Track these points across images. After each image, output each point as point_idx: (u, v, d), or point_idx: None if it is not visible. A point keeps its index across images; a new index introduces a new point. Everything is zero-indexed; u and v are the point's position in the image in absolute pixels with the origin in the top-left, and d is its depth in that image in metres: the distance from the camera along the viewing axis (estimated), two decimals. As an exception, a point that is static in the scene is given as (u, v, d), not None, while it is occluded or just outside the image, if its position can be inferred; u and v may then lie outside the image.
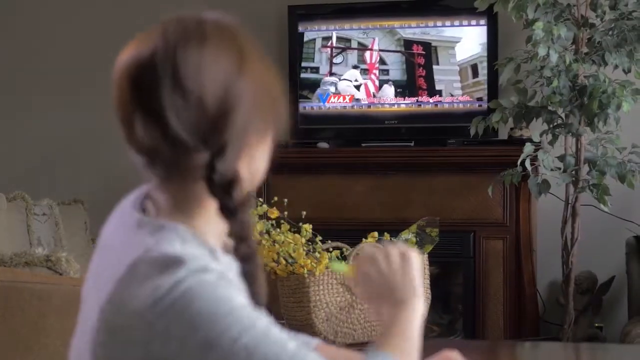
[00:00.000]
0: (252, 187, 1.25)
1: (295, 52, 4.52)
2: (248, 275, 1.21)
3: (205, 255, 1.16)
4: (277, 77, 1.25)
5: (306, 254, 3.09)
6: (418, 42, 4.42)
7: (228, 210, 1.18)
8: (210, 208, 1.20)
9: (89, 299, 1.23)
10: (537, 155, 3.72)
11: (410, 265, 1.33)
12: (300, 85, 4.51)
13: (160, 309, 1.11)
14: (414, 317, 1.30)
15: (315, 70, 4.53)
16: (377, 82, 4.47)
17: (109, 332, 1.15)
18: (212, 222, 1.21)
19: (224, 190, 1.17)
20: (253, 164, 1.22)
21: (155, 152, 1.17)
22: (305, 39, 4.51)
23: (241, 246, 1.20)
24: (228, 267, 1.20)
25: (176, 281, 1.11)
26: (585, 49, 3.75)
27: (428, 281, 3.25)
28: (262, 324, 1.12)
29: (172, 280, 1.12)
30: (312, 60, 4.53)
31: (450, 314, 4.44)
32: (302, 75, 4.52)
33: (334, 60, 4.51)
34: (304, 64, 4.52)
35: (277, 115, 1.24)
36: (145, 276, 1.13)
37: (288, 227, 3.10)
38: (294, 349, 1.12)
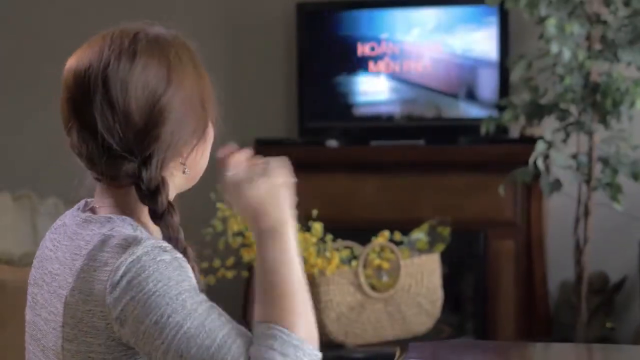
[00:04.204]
0: (192, 183, 1.38)
1: (303, 50, 4.48)
2: None
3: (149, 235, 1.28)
4: (209, 83, 1.36)
5: (317, 254, 3.06)
6: (430, 35, 4.38)
7: (155, 215, 1.30)
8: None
9: (46, 305, 1.32)
10: (549, 154, 3.68)
11: (277, 189, 1.28)
12: (308, 84, 4.48)
13: (119, 289, 1.20)
14: (288, 244, 1.26)
15: (324, 68, 4.49)
16: (387, 79, 4.44)
17: (75, 324, 1.24)
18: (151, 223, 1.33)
19: (150, 197, 1.29)
20: (191, 167, 1.34)
21: (91, 159, 1.30)
22: (314, 37, 4.48)
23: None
24: None
25: (134, 259, 1.21)
26: (598, 46, 3.71)
27: (440, 281, 3.22)
28: (202, 309, 1.21)
29: (130, 258, 1.21)
30: (321, 57, 4.49)
31: (461, 314, 4.40)
32: (310, 73, 4.48)
33: (344, 58, 4.47)
34: (312, 62, 4.48)
35: (210, 119, 1.35)
36: (105, 261, 1.22)
37: (298, 226, 3.06)
38: (223, 339, 1.19)
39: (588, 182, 3.74)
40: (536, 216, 4.12)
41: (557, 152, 3.68)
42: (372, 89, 4.46)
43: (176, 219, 1.30)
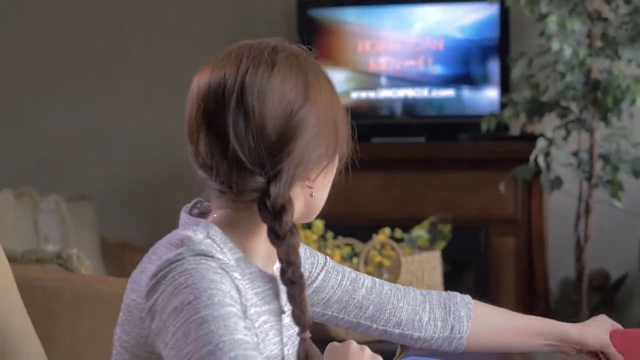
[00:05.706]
0: (310, 218, 1.32)
1: (304, 43, 4.47)
2: (292, 299, 1.23)
3: (215, 248, 1.22)
4: (342, 107, 1.33)
5: (317, 251, 3.06)
6: (431, 32, 4.38)
7: (276, 235, 1.22)
8: (259, 230, 1.26)
9: None
10: (549, 151, 3.68)
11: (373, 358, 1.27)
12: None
13: (155, 282, 1.18)
14: None
15: (324, 65, 4.49)
16: (387, 76, 4.44)
17: (124, 312, 1.24)
18: (260, 243, 1.27)
19: (274, 216, 1.22)
20: (314, 195, 1.29)
21: (214, 170, 1.23)
22: (315, 30, 4.48)
23: (288, 270, 1.23)
24: (250, 282, 1.26)
25: (179, 258, 1.17)
26: (599, 44, 3.71)
27: (441, 278, 3.22)
28: (228, 311, 1.14)
29: (176, 257, 1.18)
30: (321, 54, 4.49)
31: (462, 311, 4.41)
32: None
33: (344, 54, 4.47)
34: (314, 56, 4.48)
35: (340, 146, 1.31)
36: (159, 255, 1.21)
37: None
38: (242, 340, 1.12)
39: (589, 179, 3.74)
40: (537, 213, 4.12)
41: (558, 150, 3.68)
42: (373, 86, 4.46)
43: (297, 240, 1.22)
